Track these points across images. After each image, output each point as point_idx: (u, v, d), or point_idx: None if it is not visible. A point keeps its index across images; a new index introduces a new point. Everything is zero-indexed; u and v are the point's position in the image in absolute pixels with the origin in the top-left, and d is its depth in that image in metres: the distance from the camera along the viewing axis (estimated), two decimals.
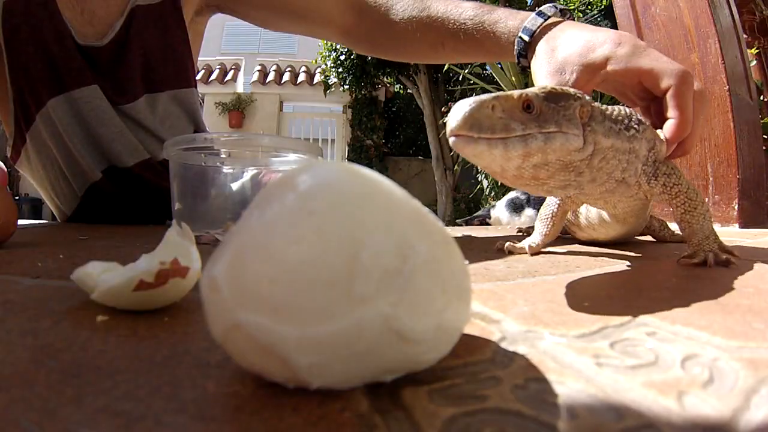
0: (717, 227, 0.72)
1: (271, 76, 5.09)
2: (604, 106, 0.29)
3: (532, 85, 0.31)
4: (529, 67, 0.44)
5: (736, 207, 0.73)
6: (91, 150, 0.64)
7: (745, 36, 1.09)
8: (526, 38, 0.43)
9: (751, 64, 1.28)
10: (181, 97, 0.69)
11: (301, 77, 5.12)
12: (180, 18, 0.68)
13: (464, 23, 0.51)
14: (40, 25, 0.59)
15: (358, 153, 4.64)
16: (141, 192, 0.66)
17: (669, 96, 0.35)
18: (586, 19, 3.69)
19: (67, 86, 0.61)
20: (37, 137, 0.64)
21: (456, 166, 3.82)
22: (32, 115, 0.63)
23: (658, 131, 0.35)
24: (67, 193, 0.68)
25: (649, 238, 0.49)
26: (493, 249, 0.39)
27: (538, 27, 0.42)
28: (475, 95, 0.24)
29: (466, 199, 3.77)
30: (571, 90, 0.27)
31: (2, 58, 0.61)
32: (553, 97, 0.26)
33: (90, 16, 0.62)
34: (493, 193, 2.63)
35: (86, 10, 0.62)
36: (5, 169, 0.63)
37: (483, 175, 2.92)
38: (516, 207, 0.97)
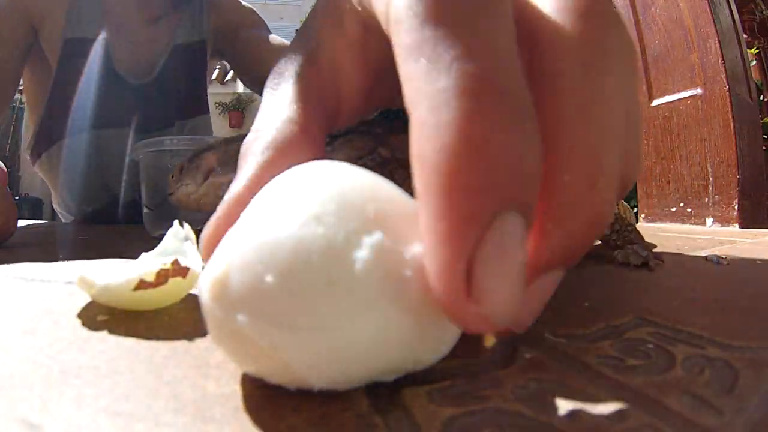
0: (717, 227, 0.72)
1: None
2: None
3: None
4: None
5: (736, 207, 0.73)
6: (94, 186, 0.71)
7: (745, 36, 1.10)
8: None
9: (751, 64, 1.28)
10: (201, 123, 0.79)
11: None
12: (204, 57, 0.77)
13: None
14: (93, 63, 0.66)
15: None
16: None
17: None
18: None
19: (104, 123, 0.67)
20: (52, 160, 0.70)
21: None
22: (53, 139, 0.69)
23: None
24: (72, 209, 0.73)
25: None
26: None
27: None
28: None
29: None
30: (211, 141, 0.33)
31: (50, 78, 0.67)
32: (192, 155, 0.33)
33: (138, 57, 0.70)
34: None
35: (136, 51, 0.70)
36: (5, 169, 0.66)
37: None
38: None
